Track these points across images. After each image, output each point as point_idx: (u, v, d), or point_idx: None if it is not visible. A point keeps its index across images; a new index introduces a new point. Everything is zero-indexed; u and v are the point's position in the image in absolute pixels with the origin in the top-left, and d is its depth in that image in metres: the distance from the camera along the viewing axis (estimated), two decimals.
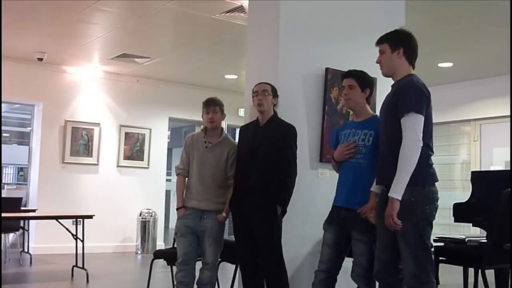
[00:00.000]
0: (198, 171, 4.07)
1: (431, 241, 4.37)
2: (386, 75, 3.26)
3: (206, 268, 4.04)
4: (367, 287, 3.42)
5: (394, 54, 3.15)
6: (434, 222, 3.06)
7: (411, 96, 2.99)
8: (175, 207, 4.14)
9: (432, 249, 4.23)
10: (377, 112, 3.50)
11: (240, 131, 4.22)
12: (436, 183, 3.08)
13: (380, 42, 3.22)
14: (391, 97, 3.12)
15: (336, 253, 3.49)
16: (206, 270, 4.04)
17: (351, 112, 4.23)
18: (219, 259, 4.57)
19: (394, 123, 3.00)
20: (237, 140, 4.23)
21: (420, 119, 2.96)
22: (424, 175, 3.00)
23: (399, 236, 3.00)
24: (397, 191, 2.92)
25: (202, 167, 4.07)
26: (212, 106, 4.11)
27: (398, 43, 3.16)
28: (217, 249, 4.07)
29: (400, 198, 2.91)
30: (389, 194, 2.93)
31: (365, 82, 3.55)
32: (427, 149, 3.01)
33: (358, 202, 3.39)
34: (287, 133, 3.79)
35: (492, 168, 8.46)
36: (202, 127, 4.28)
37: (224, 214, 4.03)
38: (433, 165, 3.10)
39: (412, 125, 2.94)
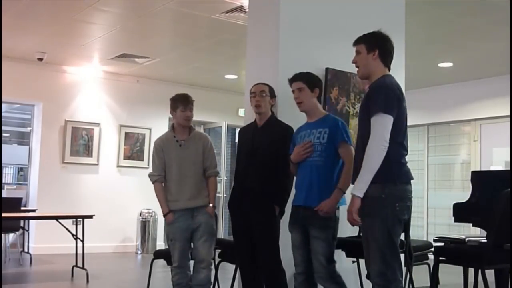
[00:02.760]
0: (178, 171, 4.07)
1: (433, 240, 4.39)
2: (362, 76, 3.28)
3: (202, 267, 4.00)
4: (334, 285, 3.42)
5: (369, 56, 3.17)
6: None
7: (381, 97, 3.01)
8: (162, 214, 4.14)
9: (432, 249, 4.24)
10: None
11: (239, 132, 4.26)
12: (410, 182, 3.11)
13: (357, 42, 3.25)
14: (365, 99, 3.16)
15: (307, 253, 3.50)
16: (203, 269, 4.00)
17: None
18: (219, 259, 4.56)
19: (368, 124, 3.03)
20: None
21: (388, 119, 2.97)
22: (396, 173, 3.04)
23: (368, 233, 3.05)
24: (359, 188, 2.97)
25: (182, 166, 4.07)
26: (190, 104, 4.16)
27: (374, 44, 3.18)
28: (211, 245, 4.09)
29: (361, 196, 2.96)
30: (351, 191, 2.99)
31: (313, 82, 3.61)
32: (399, 148, 3.06)
33: (315, 200, 3.42)
34: (285, 134, 3.79)
35: (492, 168, 8.46)
36: (170, 126, 4.30)
37: (211, 205, 4.07)
38: (407, 164, 3.14)
39: (379, 125, 2.97)
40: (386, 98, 3.01)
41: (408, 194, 3.09)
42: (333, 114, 4.26)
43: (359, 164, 3.05)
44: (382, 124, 2.96)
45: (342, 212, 3.48)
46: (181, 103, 4.15)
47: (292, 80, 3.67)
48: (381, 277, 3.00)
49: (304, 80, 3.60)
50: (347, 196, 3.51)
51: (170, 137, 4.16)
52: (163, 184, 4.15)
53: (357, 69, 3.27)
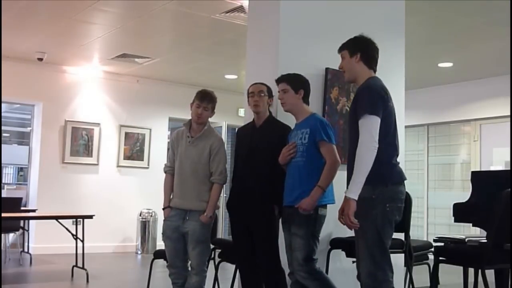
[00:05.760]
0: (180, 167, 3.94)
1: (433, 240, 4.39)
2: (348, 80, 3.37)
3: (193, 272, 3.90)
4: (314, 282, 3.43)
5: (352, 59, 3.24)
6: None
7: (366, 98, 3.05)
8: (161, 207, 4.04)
9: (432, 249, 4.24)
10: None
11: (237, 133, 4.20)
12: (403, 182, 3.13)
13: (340, 49, 3.33)
14: (352, 103, 3.21)
15: None
16: (193, 275, 3.89)
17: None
18: (219, 259, 4.56)
19: (356, 127, 3.05)
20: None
21: (375, 120, 3.00)
22: (387, 174, 3.05)
23: (358, 233, 3.06)
24: (353, 191, 2.97)
25: (184, 163, 3.93)
26: (206, 102, 3.97)
27: (356, 48, 3.24)
28: (201, 252, 3.90)
29: (356, 198, 2.96)
30: (345, 194, 2.99)
31: (297, 83, 3.64)
32: (389, 149, 3.08)
33: (296, 198, 3.45)
34: (284, 133, 3.78)
35: (492, 168, 8.46)
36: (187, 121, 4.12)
37: (206, 214, 3.86)
38: (399, 165, 3.16)
39: (366, 126, 2.99)
40: (370, 99, 3.04)
41: (399, 195, 3.10)
42: (332, 113, 4.27)
43: (352, 167, 3.06)
44: (370, 125, 2.98)
45: (331, 211, 3.50)
46: (197, 98, 3.98)
47: (277, 81, 3.71)
48: (371, 278, 3.01)
49: (289, 82, 3.64)
50: (339, 197, 3.52)
51: (185, 132, 4.03)
52: (173, 176, 4.01)
53: (343, 74, 3.33)
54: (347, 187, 3.15)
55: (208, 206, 3.88)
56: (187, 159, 3.94)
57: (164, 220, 4.00)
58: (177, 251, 3.94)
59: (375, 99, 3.03)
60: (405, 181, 3.17)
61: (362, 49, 3.23)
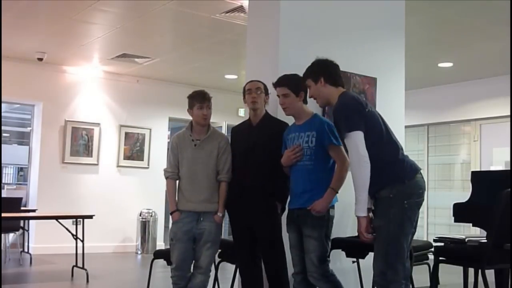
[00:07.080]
0: (189, 172, 3.92)
1: (433, 240, 4.38)
2: (323, 105, 3.49)
3: (199, 272, 3.90)
4: (328, 284, 3.43)
5: (318, 85, 3.32)
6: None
7: (341, 118, 3.15)
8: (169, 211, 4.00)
9: (432, 249, 4.24)
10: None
11: (232, 132, 4.16)
12: (418, 173, 3.16)
13: (304, 79, 3.40)
14: (334, 124, 3.31)
15: (303, 253, 3.50)
16: (199, 275, 3.89)
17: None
18: (219, 259, 4.55)
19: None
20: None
21: (357, 134, 3.07)
22: (401, 171, 3.10)
23: (376, 232, 3.10)
24: (359, 209, 3.05)
25: (194, 167, 3.91)
26: (207, 101, 3.97)
27: (317, 74, 3.32)
28: (214, 252, 3.97)
29: (363, 215, 3.04)
30: (355, 214, 3.07)
31: (297, 86, 3.60)
32: (390, 147, 3.14)
33: (307, 200, 3.43)
34: (282, 130, 3.76)
35: (492, 168, 8.46)
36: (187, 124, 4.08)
37: (220, 214, 3.90)
38: (407, 158, 3.19)
39: (351, 144, 3.08)
40: (345, 118, 3.12)
41: (417, 190, 3.14)
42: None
43: None
44: (354, 143, 3.06)
45: (337, 211, 3.51)
46: (197, 100, 3.96)
47: (276, 85, 3.67)
48: (381, 276, 3.03)
49: (289, 86, 3.60)
50: (342, 199, 3.53)
51: (187, 136, 4.00)
52: (176, 181, 4.00)
53: (316, 101, 3.42)
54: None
55: (219, 205, 3.91)
56: (197, 163, 3.92)
57: (173, 223, 3.95)
58: (186, 253, 3.92)
59: (350, 115, 3.11)
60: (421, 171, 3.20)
61: (323, 72, 3.31)
